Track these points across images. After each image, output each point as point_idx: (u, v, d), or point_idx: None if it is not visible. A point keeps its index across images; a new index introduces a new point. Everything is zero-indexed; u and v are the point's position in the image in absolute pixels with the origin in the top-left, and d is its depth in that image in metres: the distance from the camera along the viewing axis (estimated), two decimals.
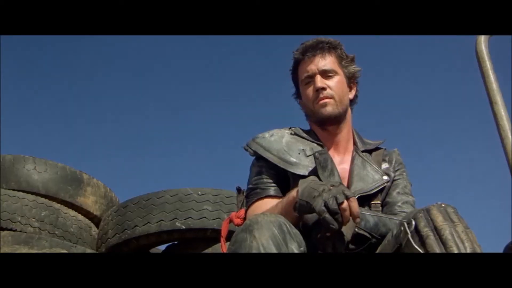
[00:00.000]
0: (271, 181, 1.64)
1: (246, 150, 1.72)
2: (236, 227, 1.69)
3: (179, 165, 8.74)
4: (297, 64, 1.75)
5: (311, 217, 1.50)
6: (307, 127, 1.80)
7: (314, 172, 1.59)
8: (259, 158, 1.70)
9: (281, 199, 1.52)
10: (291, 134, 1.72)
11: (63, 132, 8.70)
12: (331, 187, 1.34)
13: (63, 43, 8.62)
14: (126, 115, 9.13)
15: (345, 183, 1.63)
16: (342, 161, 1.69)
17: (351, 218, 1.32)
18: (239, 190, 1.77)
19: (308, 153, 1.65)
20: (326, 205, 1.29)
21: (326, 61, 1.70)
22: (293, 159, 1.63)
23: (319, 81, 1.68)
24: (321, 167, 1.59)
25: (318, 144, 1.69)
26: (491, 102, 1.51)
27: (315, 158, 1.61)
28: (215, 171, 8.42)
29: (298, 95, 1.80)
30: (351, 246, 1.44)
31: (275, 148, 1.66)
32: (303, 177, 1.56)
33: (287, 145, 1.67)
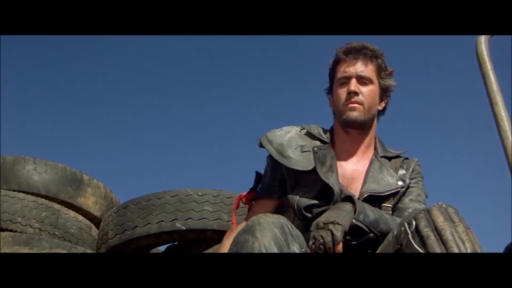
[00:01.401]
0: (270, 183, 1.77)
1: (257, 142, 1.80)
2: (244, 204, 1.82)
3: (179, 166, 8.75)
4: (337, 62, 1.78)
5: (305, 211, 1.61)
6: (322, 126, 1.85)
7: (305, 167, 1.66)
8: (268, 155, 1.79)
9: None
10: (299, 131, 1.78)
11: (63, 133, 8.71)
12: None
13: (63, 43, 8.63)
14: (126, 116, 9.13)
15: (358, 184, 1.68)
16: (357, 163, 1.73)
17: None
18: (257, 173, 1.86)
19: (306, 149, 1.70)
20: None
21: (365, 68, 1.73)
22: (288, 153, 1.70)
23: (354, 85, 1.71)
24: (320, 162, 1.63)
25: (323, 142, 1.72)
26: (492, 103, 1.50)
27: (313, 152, 1.64)
28: (215, 172, 8.42)
29: (330, 91, 1.83)
30: (347, 237, 1.46)
31: (276, 141, 1.74)
32: (294, 171, 1.67)
33: (288, 140, 1.74)
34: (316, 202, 1.61)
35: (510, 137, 1.44)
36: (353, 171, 1.70)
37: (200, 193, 3.46)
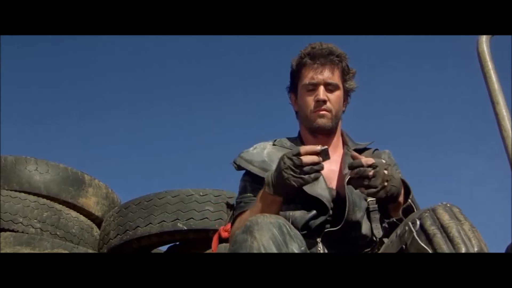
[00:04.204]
0: (254, 194, 1.65)
1: (232, 165, 1.76)
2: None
3: (180, 166, 8.76)
4: (302, 66, 1.75)
5: (300, 221, 1.57)
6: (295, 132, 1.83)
7: None
8: (245, 173, 1.75)
9: (253, 206, 1.58)
10: (273, 145, 1.77)
11: (65, 133, 8.72)
12: (284, 160, 1.46)
13: (63, 43, 8.64)
14: (127, 116, 9.15)
15: (334, 183, 1.66)
16: (331, 162, 1.70)
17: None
18: (228, 204, 1.80)
19: None
20: (292, 170, 1.43)
21: (332, 75, 1.72)
22: (273, 169, 1.62)
23: (322, 93, 1.70)
24: None
25: None
26: (493, 102, 1.50)
27: None
28: (216, 172, 8.43)
29: (291, 89, 1.82)
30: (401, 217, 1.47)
31: (257, 160, 1.71)
32: None
33: (268, 156, 1.72)
34: (310, 215, 1.58)
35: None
36: (329, 172, 1.66)
37: (201, 193, 3.47)
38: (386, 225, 1.58)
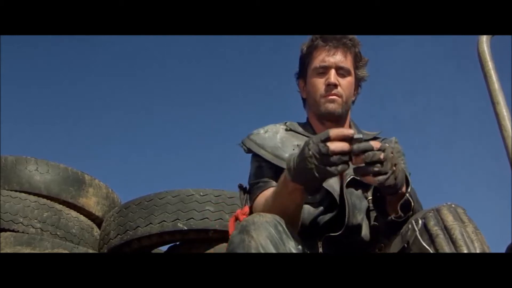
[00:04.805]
0: (271, 174, 1.59)
1: (241, 147, 1.70)
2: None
3: (181, 166, 8.75)
4: (314, 48, 1.70)
5: (307, 217, 1.52)
6: (303, 120, 1.77)
7: None
8: (255, 154, 1.66)
9: (272, 192, 1.48)
10: (286, 129, 1.69)
11: (65, 133, 8.72)
12: (309, 146, 1.26)
13: (63, 43, 8.64)
14: (127, 116, 9.14)
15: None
16: None
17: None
18: (241, 187, 1.72)
19: None
20: (317, 159, 1.23)
21: (345, 59, 1.67)
22: (287, 156, 1.52)
23: (334, 76, 1.64)
24: None
25: None
26: (493, 102, 1.51)
27: None
28: (216, 172, 8.42)
29: (300, 75, 1.77)
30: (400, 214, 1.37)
31: (269, 145, 1.63)
32: None
33: (281, 141, 1.64)
34: (319, 211, 1.54)
35: None
36: None
37: (201, 193, 3.47)
38: (380, 225, 1.51)
